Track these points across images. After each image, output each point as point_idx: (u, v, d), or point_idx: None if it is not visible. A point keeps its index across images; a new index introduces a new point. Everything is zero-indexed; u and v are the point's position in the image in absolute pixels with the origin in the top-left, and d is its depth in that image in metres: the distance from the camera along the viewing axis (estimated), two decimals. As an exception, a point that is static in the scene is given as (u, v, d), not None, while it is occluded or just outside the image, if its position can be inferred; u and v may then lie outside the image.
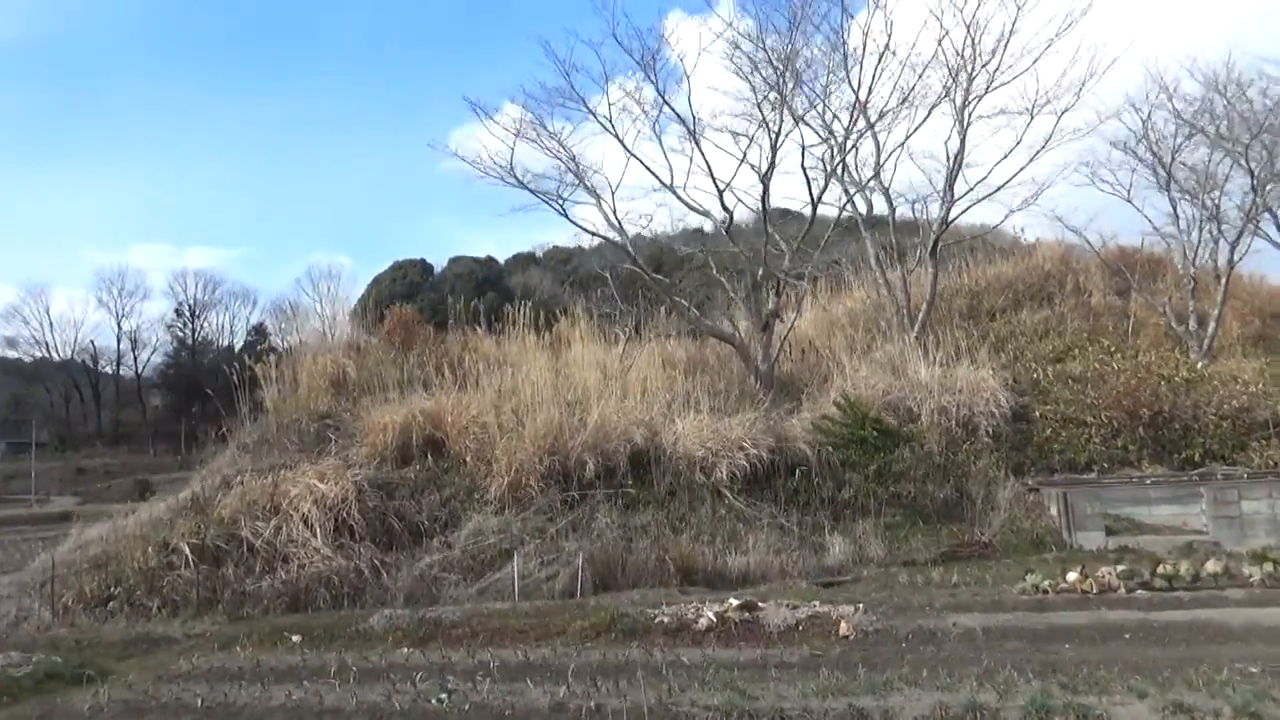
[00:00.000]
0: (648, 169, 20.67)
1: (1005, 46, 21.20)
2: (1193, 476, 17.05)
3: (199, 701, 8.77)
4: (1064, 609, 11.08)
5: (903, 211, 24.14)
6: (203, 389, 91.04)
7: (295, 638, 12.05)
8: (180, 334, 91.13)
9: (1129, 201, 22.47)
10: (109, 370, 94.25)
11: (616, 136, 20.45)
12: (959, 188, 22.53)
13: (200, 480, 18.55)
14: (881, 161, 23.12)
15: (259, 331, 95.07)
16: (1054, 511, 16.57)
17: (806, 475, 17.64)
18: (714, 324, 21.37)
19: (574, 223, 21.05)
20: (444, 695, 8.14)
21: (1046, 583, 12.43)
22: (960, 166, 22.68)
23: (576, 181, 20.92)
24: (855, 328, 24.17)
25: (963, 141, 22.48)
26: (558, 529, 16.43)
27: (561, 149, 20.83)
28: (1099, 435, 18.10)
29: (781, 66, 21.14)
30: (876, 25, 22.49)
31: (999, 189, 22.08)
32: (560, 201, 20.29)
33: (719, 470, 17.47)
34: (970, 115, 22.31)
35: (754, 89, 21.01)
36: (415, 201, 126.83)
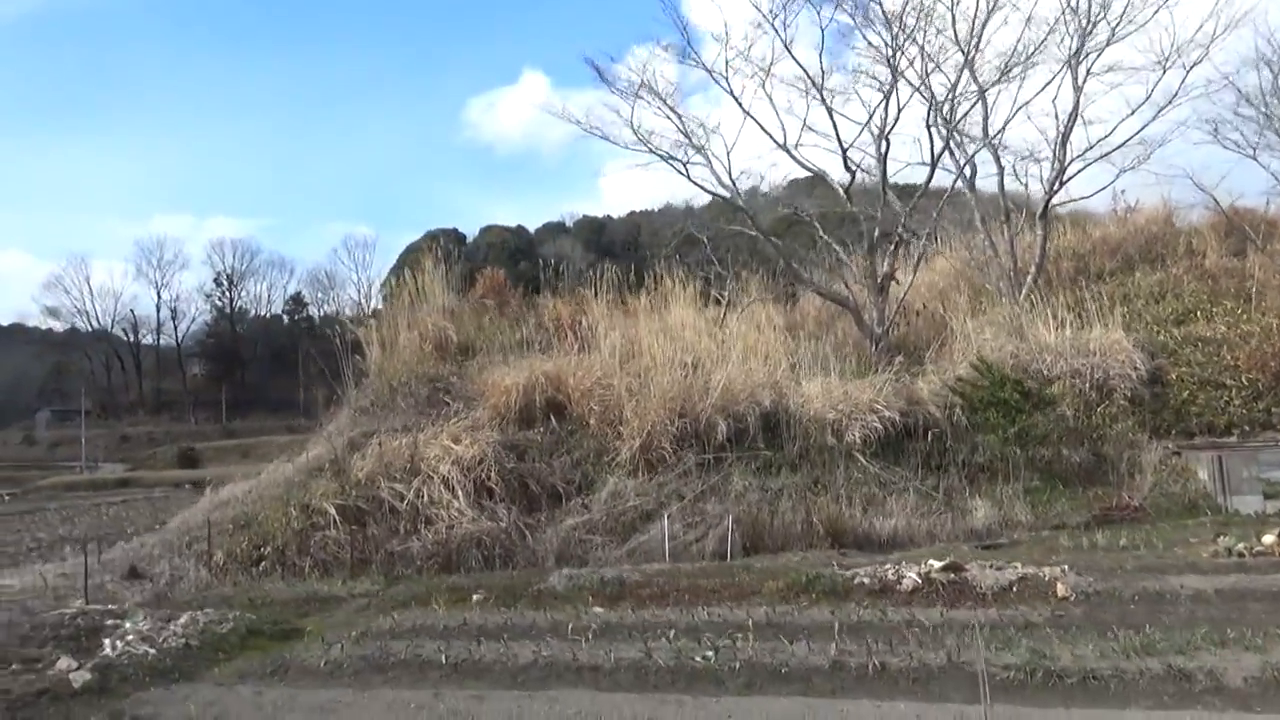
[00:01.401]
0: (762, 128, 20.35)
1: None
2: (1342, 440, 16.65)
3: (442, 657, 8.60)
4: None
5: (1011, 172, 23.53)
6: (242, 357, 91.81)
7: (476, 596, 11.92)
8: (219, 303, 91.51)
9: (1254, 159, 21.86)
10: (149, 340, 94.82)
11: (732, 93, 20.04)
12: (1072, 147, 21.94)
13: (327, 441, 18.42)
14: (989, 120, 22.56)
15: (297, 301, 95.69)
16: (1203, 475, 16.20)
17: (939, 438, 17.36)
18: (828, 286, 20.95)
19: (695, 182, 20.57)
20: (710, 652, 7.93)
21: (1241, 545, 12.10)
22: (1074, 124, 22.13)
23: (686, 141, 20.44)
24: (959, 291, 23.76)
25: (1077, 99, 21.91)
26: (696, 492, 16.25)
27: (672, 111, 20.35)
28: (1239, 398, 17.68)
29: (896, 24, 20.63)
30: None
31: (1117, 148, 21.51)
32: (683, 164, 19.80)
33: (850, 433, 17.20)
34: (1087, 71, 21.69)
35: (870, 45, 20.51)
36: (435, 171, 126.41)
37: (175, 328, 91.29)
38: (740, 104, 19.87)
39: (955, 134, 22.42)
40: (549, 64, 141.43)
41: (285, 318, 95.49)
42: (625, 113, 20.20)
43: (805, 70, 20.00)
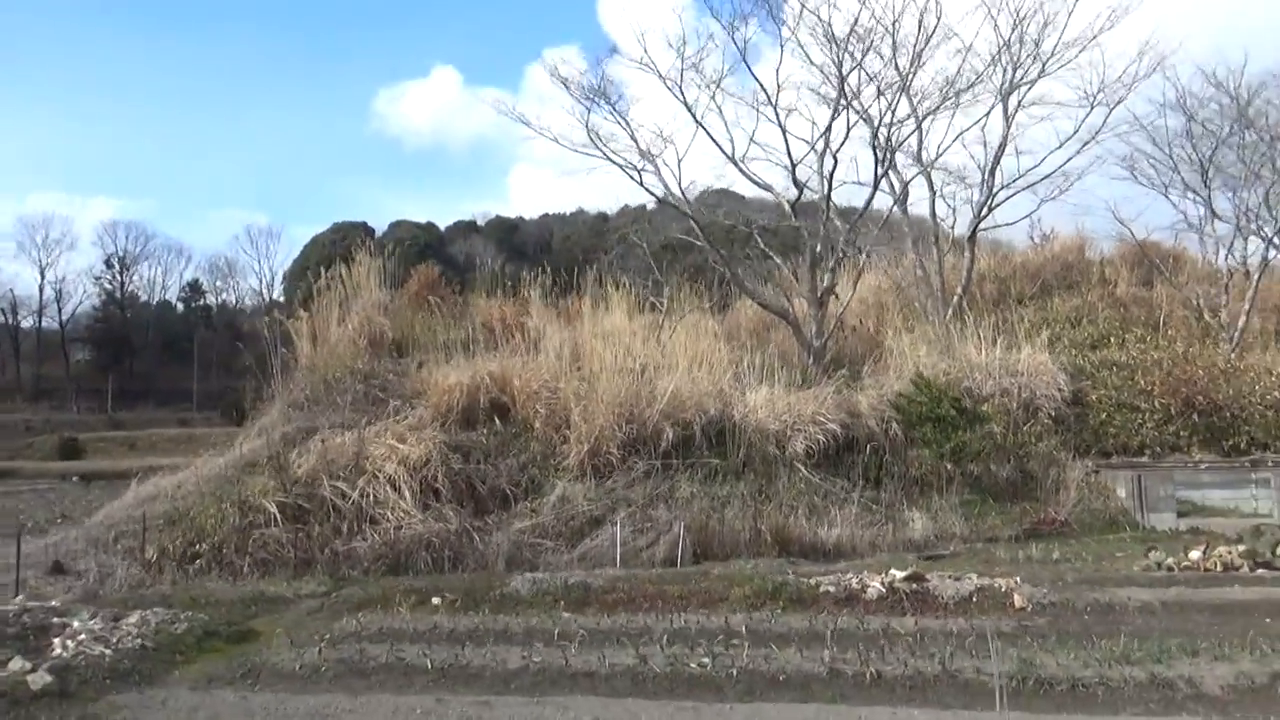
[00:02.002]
0: (713, 139, 20.58)
1: (1060, 33, 21.64)
2: (1245, 463, 17.86)
3: (426, 662, 8.42)
4: (1216, 585, 11.48)
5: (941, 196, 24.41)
6: (131, 344, 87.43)
7: (436, 599, 11.71)
8: (109, 286, 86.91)
9: (1166, 197, 23.26)
10: (29, 323, 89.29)
11: (686, 104, 20.22)
12: (1002, 175, 22.93)
13: (261, 436, 17.76)
14: (924, 146, 23.37)
15: (194, 288, 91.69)
16: (1122, 493, 17.13)
17: (877, 451, 17.86)
18: (769, 299, 21.31)
19: (648, 190, 20.63)
20: (705, 659, 7.99)
21: (1170, 560, 12.88)
22: (1002, 153, 23.14)
23: (635, 146, 20.52)
24: (889, 309, 24.51)
25: (1007, 130, 22.91)
26: (644, 498, 16.29)
27: (622, 120, 20.36)
28: (1152, 420, 18.73)
29: (840, 47, 21.15)
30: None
31: (1043, 179, 22.59)
32: (638, 171, 19.85)
33: (794, 444, 17.52)
34: (1018, 103, 22.70)
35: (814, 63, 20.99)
36: (340, 162, 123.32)
37: (59, 310, 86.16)
38: (694, 114, 20.02)
39: (890, 157, 23.08)
40: (461, 60, 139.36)
41: (180, 305, 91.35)
42: (580, 116, 20.08)
43: (761, 83, 20.31)
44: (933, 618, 10.36)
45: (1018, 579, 11.42)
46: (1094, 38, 22.08)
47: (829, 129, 20.89)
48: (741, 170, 20.93)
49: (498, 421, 18.00)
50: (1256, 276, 21.98)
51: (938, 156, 23.08)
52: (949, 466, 17.41)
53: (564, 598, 11.56)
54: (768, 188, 21.50)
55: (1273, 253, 22.17)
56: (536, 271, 23.31)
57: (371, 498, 15.24)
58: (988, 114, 22.81)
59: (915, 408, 17.86)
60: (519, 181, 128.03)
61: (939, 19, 21.55)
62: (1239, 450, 18.45)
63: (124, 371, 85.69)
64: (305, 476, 15.54)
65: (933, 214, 24.22)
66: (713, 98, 20.50)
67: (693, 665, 7.99)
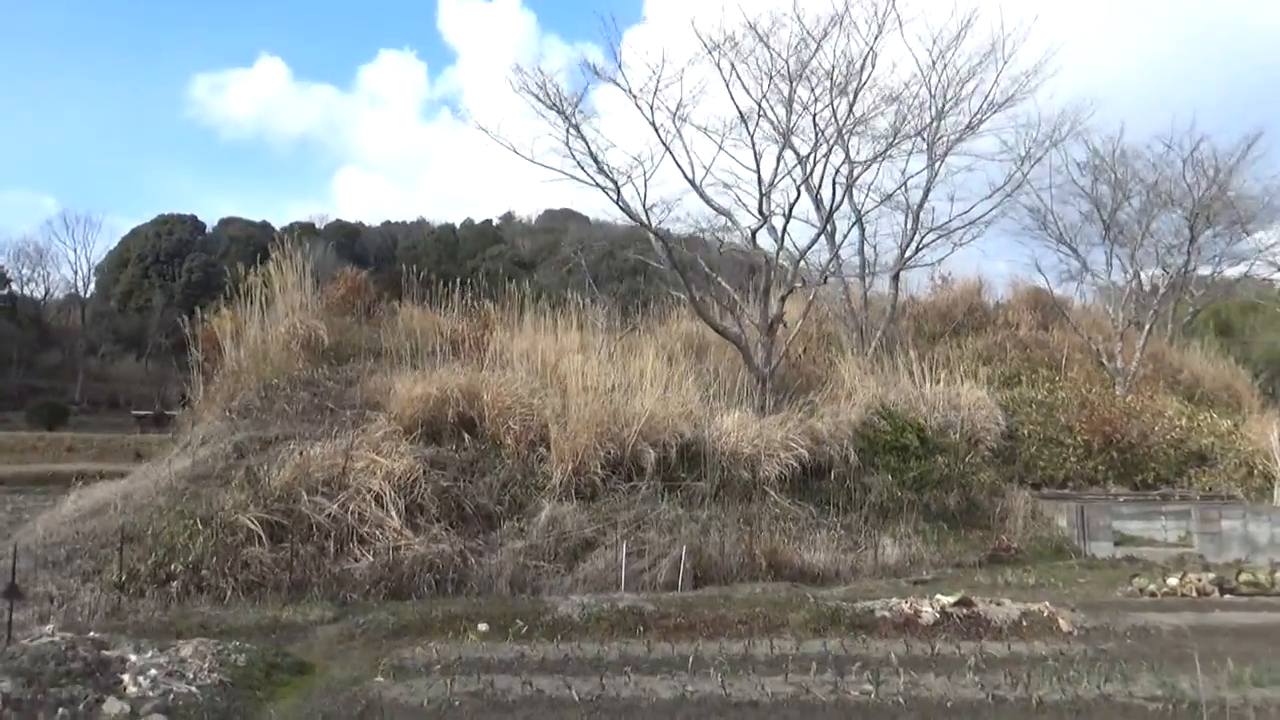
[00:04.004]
0: (676, 163, 20.62)
1: (975, 93, 23.26)
2: (1156, 497, 19.66)
3: (571, 694, 7.95)
4: (1211, 610, 12.56)
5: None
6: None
7: (482, 626, 11.08)
8: (-116, 268, 76.81)
9: (1074, 251, 25.43)
10: None
11: (653, 124, 20.15)
12: (929, 218, 24.34)
13: (204, 445, 16.21)
14: (853, 183, 24.37)
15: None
16: (1063, 523, 18.43)
17: (840, 478, 18.40)
18: (726, 325, 21.58)
19: (623, 207, 20.25)
20: (868, 686, 7.98)
21: (1151, 586, 14.00)
22: (926, 198, 24.56)
23: (593, 162, 20.30)
24: (812, 339, 25.40)
25: (931, 176, 24.36)
26: (630, 520, 16.03)
27: (578, 135, 20.06)
28: (1075, 455, 20.33)
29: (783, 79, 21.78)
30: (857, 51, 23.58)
31: (968, 225, 24.15)
32: (616, 187, 19.60)
33: (764, 468, 17.78)
34: (945, 152, 24.16)
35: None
36: (145, 148, 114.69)
37: None
38: (660, 136, 20.06)
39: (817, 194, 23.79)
40: (288, 52, 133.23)
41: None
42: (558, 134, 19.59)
43: (741, 112, 20.60)
44: (991, 640, 10.77)
45: (1046, 603, 12.05)
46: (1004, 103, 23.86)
47: (775, 172, 21.56)
48: (703, 196, 21.18)
49: (466, 436, 17.26)
50: (1148, 327, 24.39)
51: (864, 203, 24.23)
52: (909, 494, 18.17)
53: (619, 624, 11.22)
54: (726, 213, 21.83)
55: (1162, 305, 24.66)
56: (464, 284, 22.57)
57: (357, 515, 14.23)
58: (922, 169, 24.18)
59: (880, 436, 18.56)
60: (347, 184, 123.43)
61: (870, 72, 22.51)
62: (1147, 484, 20.32)
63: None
64: (281, 491, 14.31)
65: (861, 252, 25.34)
66: (676, 120, 20.51)
67: (854, 693, 7.95)
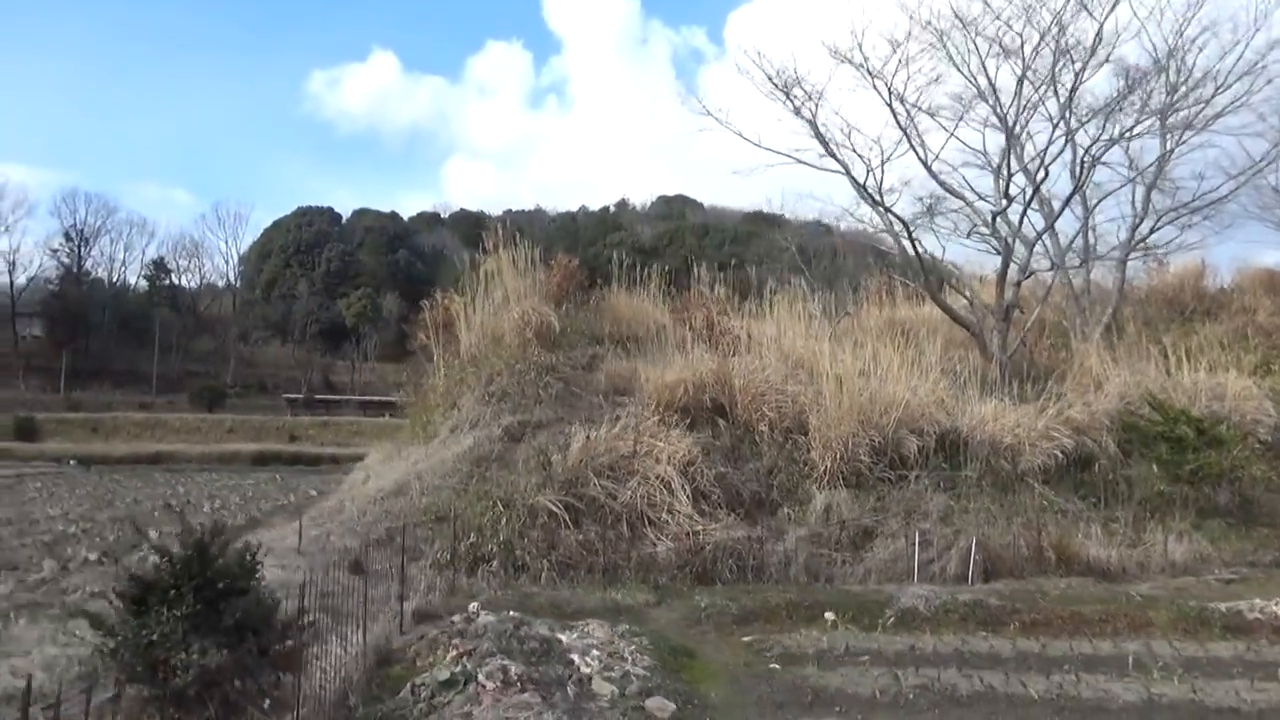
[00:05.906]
0: (912, 146, 20.00)
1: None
2: None
3: (1030, 692, 7.62)
4: None
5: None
6: (88, 321, 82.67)
7: (829, 615, 10.87)
8: (65, 260, 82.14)
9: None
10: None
11: (890, 107, 19.60)
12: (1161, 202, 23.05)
13: (473, 429, 16.53)
14: (1082, 163, 23.26)
15: (159, 266, 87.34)
16: (1358, 521, 17.11)
17: (1104, 469, 17.55)
18: (959, 311, 20.91)
19: (867, 192, 19.87)
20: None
21: None
22: (1158, 178, 23.23)
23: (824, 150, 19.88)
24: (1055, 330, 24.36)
25: (1164, 156, 23.02)
26: (902, 509, 15.63)
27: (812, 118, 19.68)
28: (1360, 447, 18.84)
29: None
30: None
31: (1204, 208, 22.77)
32: (864, 174, 19.22)
33: (1026, 458, 17.08)
34: (1177, 135, 22.81)
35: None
36: (271, 142, 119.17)
37: (11, 283, 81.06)
38: (898, 121, 19.48)
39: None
40: (400, 45, 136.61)
41: (145, 284, 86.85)
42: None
43: (979, 90, 19.85)
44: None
45: None
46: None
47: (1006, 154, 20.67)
48: (935, 178, 20.52)
49: (720, 423, 17.12)
50: None
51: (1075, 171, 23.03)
52: (1185, 489, 17.18)
53: (969, 617, 10.85)
54: (960, 195, 21.12)
55: None
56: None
57: (646, 499, 14.23)
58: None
59: (1151, 427, 17.60)
60: (456, 173, 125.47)
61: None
62: None
63: (79, 350, 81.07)
64: (568, 475, 14.43)
65: (1085, 237, 24.18)
66: (913, 106, 19.92)
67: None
